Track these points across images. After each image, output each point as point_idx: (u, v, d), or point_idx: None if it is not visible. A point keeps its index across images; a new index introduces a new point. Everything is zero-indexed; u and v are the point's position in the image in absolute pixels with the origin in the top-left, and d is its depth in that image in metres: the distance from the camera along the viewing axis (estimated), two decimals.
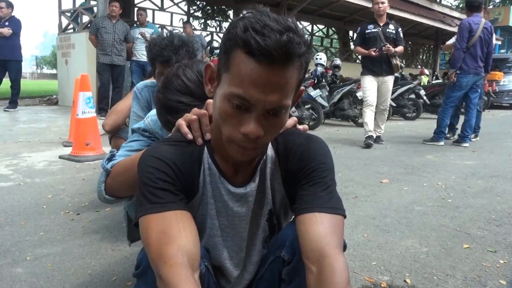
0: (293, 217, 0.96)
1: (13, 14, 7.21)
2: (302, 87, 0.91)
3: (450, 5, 21.87)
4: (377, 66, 5.45)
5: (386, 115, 5.86)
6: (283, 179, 0.99)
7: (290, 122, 1.03)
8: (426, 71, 13.94)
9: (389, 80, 5.57)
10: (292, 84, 0.81)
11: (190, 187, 0.95)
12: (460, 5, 24.64)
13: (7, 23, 7.01)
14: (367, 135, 5.47)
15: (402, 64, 5.27)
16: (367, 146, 5.29)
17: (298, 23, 0.81)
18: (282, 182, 1.00)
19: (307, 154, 0.95)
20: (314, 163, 0.94)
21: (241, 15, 0.82)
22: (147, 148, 0.95)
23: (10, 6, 7.12)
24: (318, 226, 0.86)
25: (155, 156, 0.90)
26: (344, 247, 0.93)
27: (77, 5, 8.91)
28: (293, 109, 6.67)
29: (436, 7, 16.52)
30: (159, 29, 10.19)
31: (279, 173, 0.99)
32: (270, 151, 0.99)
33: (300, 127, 1.05)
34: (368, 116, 5.50)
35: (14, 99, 7.53)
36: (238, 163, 0.97)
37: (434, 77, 13.08)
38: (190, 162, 0.94)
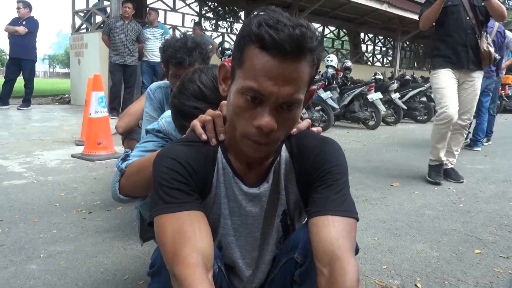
0: (306, 219, 0.97)
1: (31, 14, 7.30)
2: (313, 87, 0.92)
3: None
4: (462, 53, 3.46)
5: (465, 136, 3.78)
6: (297, 180, 1.00)
7: (304, 124, 1.03)
8: None
9: (478, 78, 3.57)
10: (304, 78, 0.83)
11: (204, 187, 0.96)
12: None
13: (24, 23, 7.10)
14: (435, 163, 3.61)
15: (496, 55, 3.47)
16: (435, 182, 3.53)
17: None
18: (296, 183, 1.00)
19: (321, 156, 0.95)
20: (328, 165, 0.94)
21: (253, 14, 0.84)
22: (162, 148, 0.97)
23: (28, 6, 7.20)
24: (330, 229, 0.86)
25: (170, 156, 0.91)
26: (357, 251, 0.93)
27: (90, 5, 9.01)
28: (304, 110, 6.66)
29: None
30: (170, 30, 10.25)
31: (293, 174, 1.00)
32: (284, 152, 1.00)
33: (314, 129, 1.06)
34: (442, 137, 3.51)
35: (27, 98, 7.63)
36: (252, 163, 0.98)
37: None
38: (204, 162, 0.95)
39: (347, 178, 0.95)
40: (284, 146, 1.00)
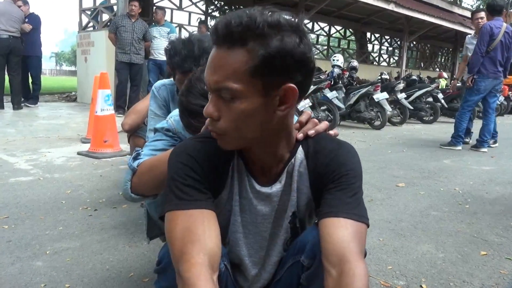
0: (314, 222, 0.96)
1: (31, 10, 7.33)
2: (291, 85, 0.81)
3: (470, 7, 21.56)
4: None
5: None
6: (311, 182, 0.99)
7: (322, 126, 1.02)
8: (445, 74, 13.78)
9: None
10: (237, 67, 0.79)
11: (218, 184, 0.96)
12: (480, 7, 24.25)
13: (26, 20, 7.13)
14: None
15: None
16: None
17: (304, 23, 0.83)
18: (310, 185, 1.00)
19: (336, 159, 0.94)
20: (343, 168, 0.93)
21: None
22: (178, 144, 0.98)
23: (26, 3, 7.24)
24: (342, 231, 0.85)
25: (186, 152, 0.92)
26: (365, 255, 0.93)
27: (97, 4, 9.04)
28: (309, 110, 6.64)
29: (456, 9, 16.30)
30: (176, 29, 10.27)
31: (307, 176, 0.99)
32: (299, 153, 0.99)
33: (331, 132, 1.06)
34: None
35: (35, 94, 7.66)
36: (265, 162, 0.97)
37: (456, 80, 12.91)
38: (219, 159, 0.95)
39: (361, 182, 0.94)
40: (300, 148, 0.99)
